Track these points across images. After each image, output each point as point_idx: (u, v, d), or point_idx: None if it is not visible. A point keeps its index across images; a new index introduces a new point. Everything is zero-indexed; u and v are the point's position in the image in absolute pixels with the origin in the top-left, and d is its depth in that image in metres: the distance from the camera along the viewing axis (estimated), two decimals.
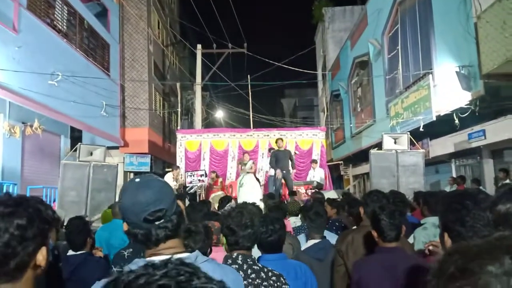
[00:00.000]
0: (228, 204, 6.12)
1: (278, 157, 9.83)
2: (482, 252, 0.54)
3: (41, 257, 1.11)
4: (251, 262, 2.03)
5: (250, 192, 8.98)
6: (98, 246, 3.84)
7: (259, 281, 1.97)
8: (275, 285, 2.00)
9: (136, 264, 1.22)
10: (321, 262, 3.01)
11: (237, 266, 1.98)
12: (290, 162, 10.01)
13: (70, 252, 3.30)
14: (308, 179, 11.81)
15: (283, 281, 2.04)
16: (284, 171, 9.75)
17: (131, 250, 3.12)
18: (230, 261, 2.02)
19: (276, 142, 10.31)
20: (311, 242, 3.20)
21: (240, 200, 8.64)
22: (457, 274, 0.53)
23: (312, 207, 3.42)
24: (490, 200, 1.45)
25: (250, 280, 1.96)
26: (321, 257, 3.02)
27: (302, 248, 3.27)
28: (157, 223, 1.25)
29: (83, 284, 3.06)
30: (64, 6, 11.53)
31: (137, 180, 1.31)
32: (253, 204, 2.26)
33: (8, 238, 1.04)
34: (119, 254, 3.14)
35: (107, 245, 4.12)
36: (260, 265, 2.06)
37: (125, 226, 1.30)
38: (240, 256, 2.02)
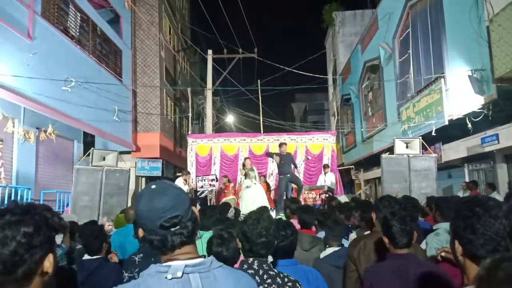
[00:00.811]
0: (230, 210, 6.14)
1: (282, 161, 9.76)
2: None
3: (48, 264, 1.13)
4: (267, 268, 2.03)
5: (253, 204, 8.91)
6: (113, 250, 3.88)
7: (275, 287, 1.98)
8: None
9: (152, 269, 1.25)
10: (339, 270, 3.02)
11: (253, 271, 1.99)
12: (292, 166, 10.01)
13: (86, 257, 3.34)
14: (318, 184, 11.78)
15: (299, 287, 2.05)
16: (289, 175, 9.67)
17: (141, 255, 3.15)
18: (246, 266, 2.02)
19: (279, 146, 10.25)
20: (330, 250, 3.21)
21: (243, 208, 8.67)
22: (507, 279, 0.56)
23: (331, 216, 3.43)
24: (500, 207, 1.44)
25: (266, 286, 1.97)
26: (340, 265, 3.03)
27: (321, 256, 3.27)
28: (172, 229, 1.26)
29: None
30: (78, 13, 11.71)
31: (153, 186, 1.32)
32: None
33: (15, 246, 1.06)
34: (130, 259, 3.18)
35: (121, 250, 4.16)
36: (276, 270, 2.06)
37: (140, 232, 1.32)
38: (256, 261, 2.03)
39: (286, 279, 2.02)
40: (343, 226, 3.39)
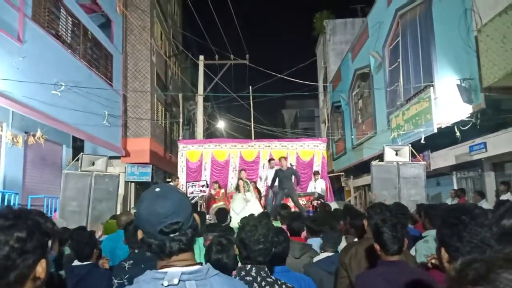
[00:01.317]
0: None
1: (280, 177, 9.76)
2: (499, 261, 0.58)
3: (41, 269, 1.13)
4: (265, 275, 2.02)
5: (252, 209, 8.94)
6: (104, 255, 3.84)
7: None
8: None
9: (148, 275, 1.24)
10: (331, 275, 3.04)
11: (250, 278, 1.98)
12: (294, 179, 9.92)
13: (76, 263, 3.30)
14: (309, 190, 11.81)
15: None
16: (286, 190, 9.67)
17: (131, 262, 3.12)
18: (243, 273, 2.01)
19: (279, 160, 10.22)
20: (324, 254, 3.23)
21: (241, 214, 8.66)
22: (477, 279, 0.57)
23: (327, 222, 3.46)
24: (486, 215, 1.46)
25: None
26: (332, 271, 3.04)
27: (314, 260, 3.29)
28: (172, 235, 1.25)
29: None
30: (69, 17, 11.65)
31: (157, 189, 1.32)
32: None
33: (8, 251, 1.06)
34: (120, 266, 3.14)
35: (111, 256, 4.12)
36: (273, 277, 2.05)
37: (140, 234, 1.31)
38: (253, 268, 2.02)
39: (284, 286, 2.01)
40: (339, 232, 3.41)
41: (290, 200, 9.97)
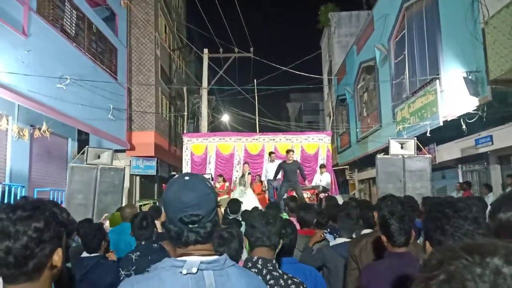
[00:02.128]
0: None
1: (286, 170, 9.73)
2: (456, 249, 0.59)
3: (57, 258, 1.18)
4: (271, 268, 1.97)
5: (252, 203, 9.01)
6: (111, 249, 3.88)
7: None
8: None
9: (167, 262, 1.24)
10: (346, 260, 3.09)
11: (256, 270, 1.93)
12: (299, 172, 9.91)
13: (84, 254, 3.34)
14: (314, 184, 11.80)
15: None
16: (292, 182, 9.68)
17: (138, 253, 3.15)
18: (250, 264, 1.98)
19: (286, 153, 10.20)
20: (340, 240, 3.27)
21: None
22: (435, 267, 0.58)
23: (344, 209, 3.52)
24: (470, 208, 1.45)
25: (268, 287, 1.90)
26: (347, 256, 3.09)
27: (331, 244, 3.34)
28: (190, 226, 1.27)
29: (94, 286, 3.09)
30: (73, 11, 11.64)
31: (186, 178, 1.33)
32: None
33: (27, 241, 1.11)
34: (127, 257, 3.17)
35: (116, 248, 4.15)
36: (280, 271, 1.99)
37: (163, 217, 1.36)
38: (260, 260, 1.98)
39: (289, 281, 1.95)
40: (354, 220, 3.47)
41: (294, 193, 9.98)
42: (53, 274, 1.19)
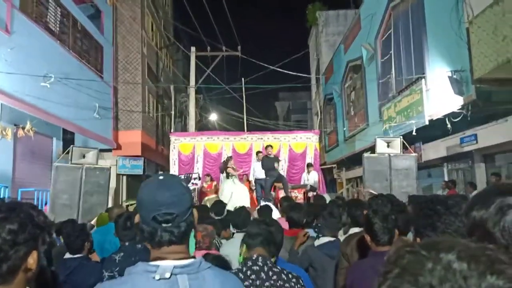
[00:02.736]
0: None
1: (265, 164, 10.21)
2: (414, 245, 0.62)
3: (32, 260, 1.16)
4: (271, 265, 2.05)
5: (241, 198, 9.13)
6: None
7: (281, 283, 1.99)
8: (296, 286, 2.03)
9: (140, 267, 1.22)
10: (332, 260, 3.10)
11: (258, 268, 2.00)
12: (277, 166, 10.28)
13: (67, 255, 3.29)
14: (302, 182, 11.84)
15: (302, 283, 2.08)
16: (274, 175, 10.06)
17: (122, 254, 3.12)
18: (250, 262, 2.03)
19: (266, 148, 10.59)
20: (325, 239, 3.26)
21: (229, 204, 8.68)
22: (393, 260, 0.61)
23: (327, 207, 3.50)
24: (460, 205, 1.45)
25: (272, 282, 1.97)
26: (333, 255, 3.12)
27: (316, 244, 3.32)
28: (164, 225, 1.26)
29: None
30: (58, 8, 11.47)
31: (161, 178, 1.33)
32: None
33: (0, 243, 1.10)
34: (110, 258, 3.14)
35: (100, 249, 4.10)
36: (279, 267, 2.08)
37: (137, 218, 1.32)
38: (260, 257, 2.04)
39: (290, 275, 2.04)
40: (338, 219, 3.45)
41: (282, 187, 10.29)
42: (28, 277, 1.17)
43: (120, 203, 14.94)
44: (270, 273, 1.99)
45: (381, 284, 0.59)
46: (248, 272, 1.97)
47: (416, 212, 1.58)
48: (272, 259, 2.17)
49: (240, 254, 2.27)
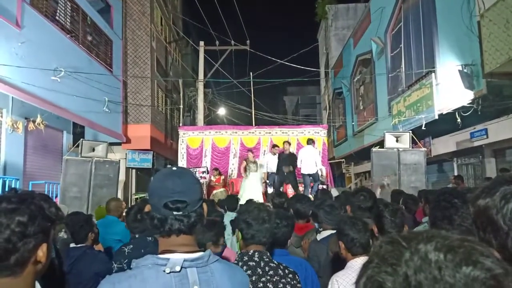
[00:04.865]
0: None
1: (281, 161, 10.13)
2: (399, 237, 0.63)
3: (41, 253, 1.14)
4: (267, 259, 2.03)
5: (253, 191, 9.12)
6: None
7: (278, 278, 1.98)
8: (292, 282, 2.01)
9: (150, 260, 1.23)
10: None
11: (254, 263, 1.98)
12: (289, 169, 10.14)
13: (72, 245, 3.35)
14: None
15: (298, 279, 2.07)
16: (286, 173, 9.96)
17: (131, 246, 3.14)
18: (246, 258, 2.01)
19: (283, 145, 10.48)
20: (327, 232, 3.26)
21: (243, 196, 8.67)
22: (374, 251, 0.63)
23: (327, 201, 3.52)
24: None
25: (268, 277, 1.96)
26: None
27: (318, 238, 3.32)
28: (175, 213, 1.27)
29: (81, 276, 3.11)
30: (68, 2, 11.53)
31: (174, 168, 1.36)
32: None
33: (9, 234, 1.08)
34: (120, 250, 3.17)
35: (102, 241, 4.17)
36: (275, 262, 2.06)
37: (147, 208, 1.33)
38: (256, 253, 2.02)
39: (286, 271, 2.04)
40: (339, 211, 3.47)
41: (290, 186, 10.16)
42: (37, 269, 1.15)
43: (130, 196, 15.07)
44: (267, 268, 1.98)
45: (362, 274, 0.61)
46: (244, 268, 1.95)
47: (433, 205, 1.56)
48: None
49: (237, 241, 2.26)
